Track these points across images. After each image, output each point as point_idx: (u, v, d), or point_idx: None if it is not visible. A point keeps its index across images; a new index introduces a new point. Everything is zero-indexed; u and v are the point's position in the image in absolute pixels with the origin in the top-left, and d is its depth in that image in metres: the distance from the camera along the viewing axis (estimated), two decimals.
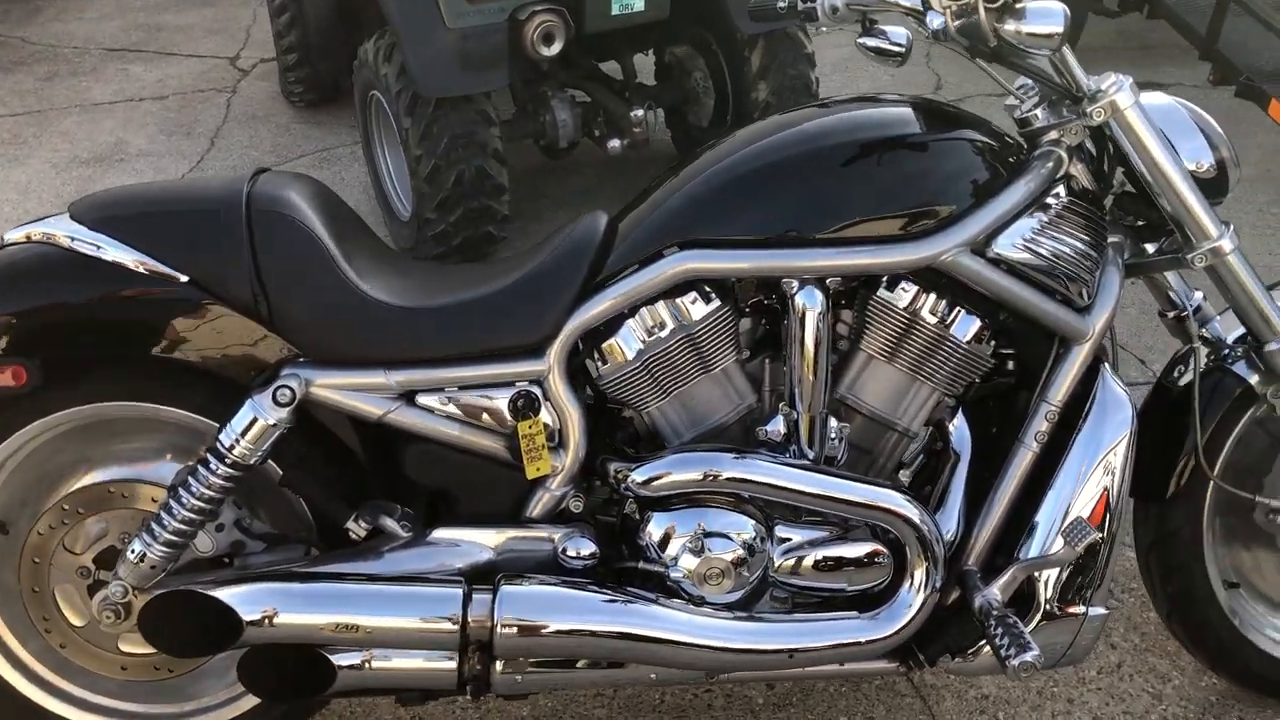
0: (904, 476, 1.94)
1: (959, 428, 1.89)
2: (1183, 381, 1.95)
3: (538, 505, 1.81)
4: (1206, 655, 2.07)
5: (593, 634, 1.69)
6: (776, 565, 1.79)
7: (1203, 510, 1.95)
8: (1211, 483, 1.90)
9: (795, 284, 1.72)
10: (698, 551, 1.75)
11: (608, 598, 1.72)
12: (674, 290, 1.75)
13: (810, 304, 1.72)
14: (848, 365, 1.83)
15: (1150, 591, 2.07)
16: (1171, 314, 1.97)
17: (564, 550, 1.78)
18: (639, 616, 1.71)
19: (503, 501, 1.82)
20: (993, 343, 1.82)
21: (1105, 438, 1.79)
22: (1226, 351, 1.93)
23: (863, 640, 1.77)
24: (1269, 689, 2.09)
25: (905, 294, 1.75)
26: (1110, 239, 1.85)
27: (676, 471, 1.74)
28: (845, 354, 1.84)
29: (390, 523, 1.79)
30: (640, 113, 3.66)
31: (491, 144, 3.46)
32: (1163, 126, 1.80)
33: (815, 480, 1.74)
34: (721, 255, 1.72)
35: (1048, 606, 1.80)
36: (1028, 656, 1.64)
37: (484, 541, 1.79)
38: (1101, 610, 1.83)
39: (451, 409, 1.76)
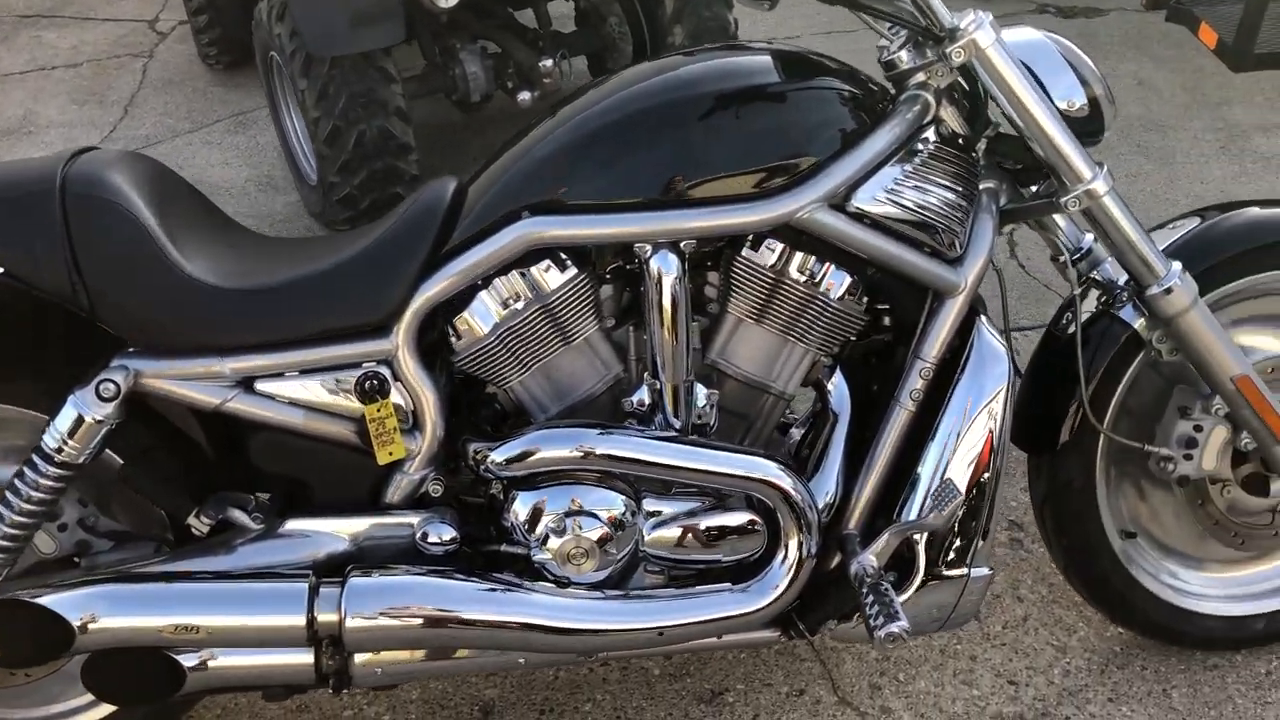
0: (795, 435, 1.88)
1: (838, 387, 1.82)
2: (1071, 329, 1.87)
3: (396, 490, 1.73)
4: (1105, 607, 2.02)
5: (444, 623, 1.63)
6: (647, 540, 1.73)
7: (1095, 461, 1.89)
8: (1102, 433, 1.84)
9: (649, 248, 1.63)
10: (560, 531, 1.68)
11: (461, 584, 1.65)
12: (527, 258, 1.66)
13: (665, 269, 1.63)
14: (717, 329, 1.75)
15: (1047, 544, 2.01)
16: (1061, 258, 1.89)
17: (423, 536, 1.70)
18: (494, 602, 1.64)
19: (360, 487, 1.74)
20: (866, 299, 1.74)
21: (982, 393, 1.72)
22: (1115, 295, 1.85)
23: (734, 613, 1.71)
24: (1171, 637, 2.04)
25: (770, 252, 1.66)
26: (985, 184, 1.76)
27: (537, 449, 1.66)
28: (715, 317, 1.76)
29: (240, 515, 1.70)
30: (549, 63, 3.53)
31: (393, 102, 3.34)
32: (1031, 64, 1.70)
33: (680, 452, 1.66)
34: (567, 221, 1.63)
35: (928, 569, 1.75)
36: (893, 627, 1.58)
37: (339, 531, 1.71)
38: (985, 570, 1.77)
39: (294, 394, 1.67)
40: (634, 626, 1.68)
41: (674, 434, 1.69)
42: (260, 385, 1.66)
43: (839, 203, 1.63)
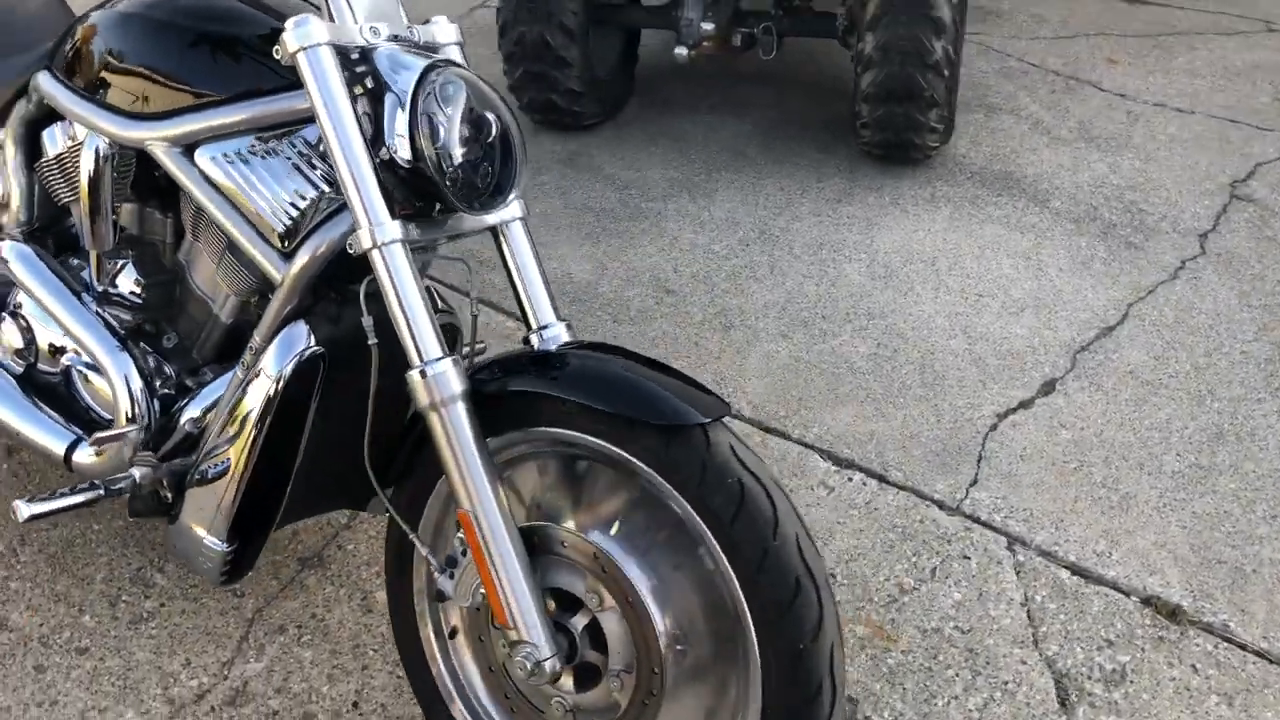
0: None
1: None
2: None
3: None
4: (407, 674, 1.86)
5: None
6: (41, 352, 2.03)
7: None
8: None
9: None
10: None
11: None
12: None
13: (87, 148, 1.84)
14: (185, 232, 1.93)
15: None
16: None
17: None
18: None
19: None
20: None
21: (246, 385, 1.71)
22: None
23: (67, 455, 1.92)
24: None
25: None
26: None
27: None
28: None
29: None
30: (711, 26, 3.48)
31: (559, 17, 3.56)
32: (396, 89, 1.56)
33: (45, 291, 1.93)
34: (59, 90, 1.89)
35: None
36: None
37: None
38: (219, 544, 1.78)
39: None
40: None
41: (67, 286, 1.95)
42: None
43: (190, 149, 1.72)
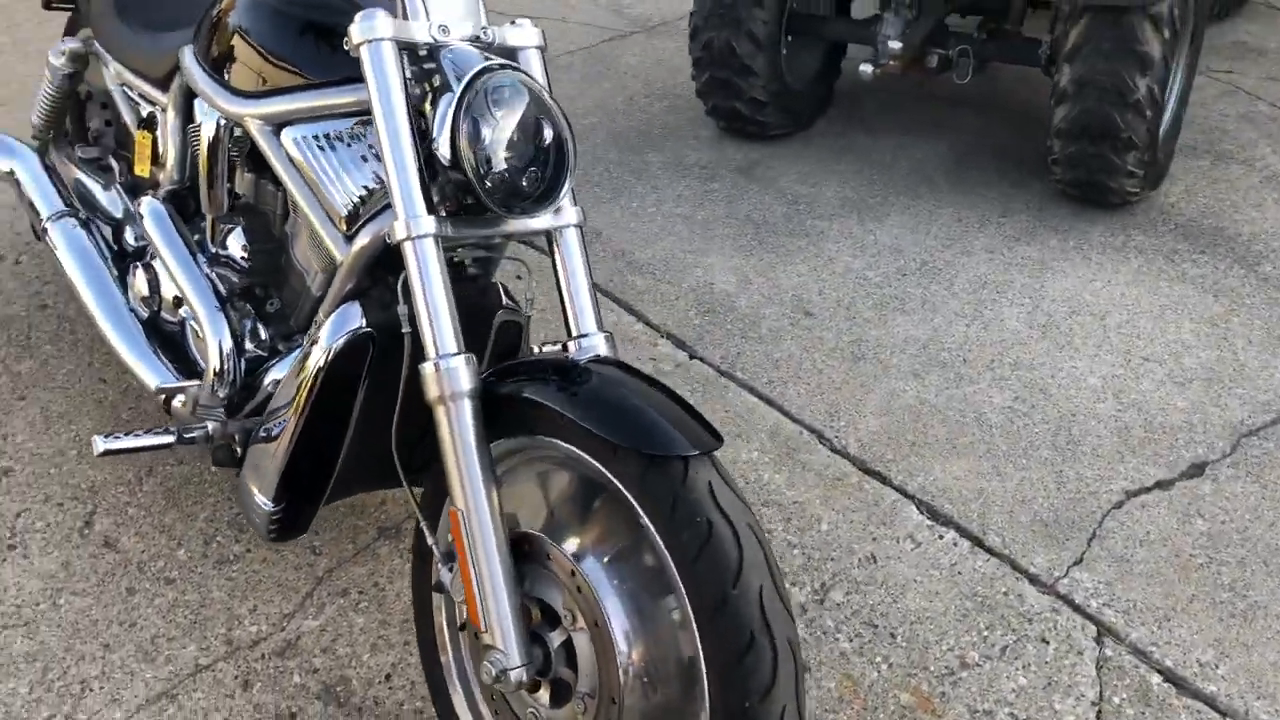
0: None
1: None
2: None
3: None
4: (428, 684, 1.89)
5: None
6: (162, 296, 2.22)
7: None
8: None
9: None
10: (135, 266, 2.27)
11: (79, 233, 2.40)
12: None
13: (206, 120, 1.99)
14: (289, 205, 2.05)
15: None
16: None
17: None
18: (75, 249, 2.37)
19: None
20: None
21: (307, 360, 1.78)
22: None
23: (159, 390, 2.11)
24: None
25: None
26: None
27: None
28: None
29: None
30: (898, 45, 3.31)
31: (747, 24, 3.51)
32: (459, 87, 1.58)
33: (166, 248, 2.09)
34: (196, 69, 2.04)
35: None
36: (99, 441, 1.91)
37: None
38: (267, 503, 1.87)
39: (126, 92, 2.45)
40: (116, 337, 2.22)
41: (186, 246, 2.11)
42: (114, 87, 2.47)
43: (278, 127, 1.81)
